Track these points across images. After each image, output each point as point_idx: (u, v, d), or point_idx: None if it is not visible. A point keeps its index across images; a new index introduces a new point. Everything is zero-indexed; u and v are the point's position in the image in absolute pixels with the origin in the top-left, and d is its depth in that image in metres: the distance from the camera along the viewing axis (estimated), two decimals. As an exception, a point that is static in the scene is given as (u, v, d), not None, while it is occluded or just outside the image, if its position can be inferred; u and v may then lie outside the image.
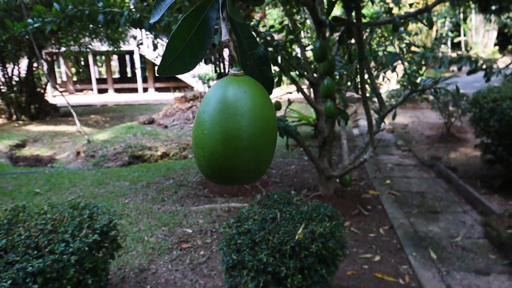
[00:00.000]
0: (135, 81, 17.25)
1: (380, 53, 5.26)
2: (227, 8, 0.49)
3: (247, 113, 0.48)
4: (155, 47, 4.27)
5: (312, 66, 4.41)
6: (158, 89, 17.31)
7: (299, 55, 4.63)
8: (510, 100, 3.66)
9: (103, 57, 19.53)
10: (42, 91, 11.76)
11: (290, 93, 4.92)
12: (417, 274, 2.88)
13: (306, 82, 6.61)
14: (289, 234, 1.92)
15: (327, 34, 3.31)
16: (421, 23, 2.84)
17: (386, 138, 7.27)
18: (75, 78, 19.52)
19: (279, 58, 3.83)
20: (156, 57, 5.11)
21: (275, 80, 4.37)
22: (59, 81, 19.82)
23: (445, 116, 6.72)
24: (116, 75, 24.35)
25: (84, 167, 6.88)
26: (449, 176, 4.75)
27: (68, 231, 2.09)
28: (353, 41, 3.37)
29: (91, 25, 3.86)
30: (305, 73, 4.21)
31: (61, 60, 18.42)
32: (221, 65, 21.50)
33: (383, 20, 2.77)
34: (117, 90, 17.68)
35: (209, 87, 13.65)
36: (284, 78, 4.74)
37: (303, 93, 3.99)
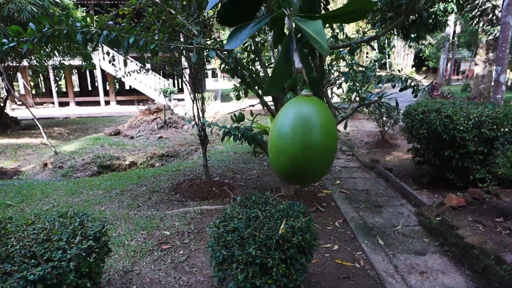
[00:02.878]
0: (96, 95, 16.46)
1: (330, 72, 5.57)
2: (299, 48, 0.58)
3: (320, 127, 0.54)
4: (125, 63, 4.17)
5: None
6: (119, 102, 16.64)
7: (260, 73, 4.78)
8: (435, 112, 4.09)
9: (62, 72, 18.40)
10: (2, 104, 10.82)
11: (253, 106, 5.06)
12: (370, 258, 3.10)
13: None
14: (273, 230, 2.01)
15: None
16: (372, 48, 3.10)
17: (332, 144, 7.64)
18: (33, 92, 18.13)
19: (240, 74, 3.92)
20: (123, 76, 4.94)
21: (242, 93, 4.47)
22: (17, 94, 18.28)
23: (380, 125, 7.24)
24: (76, 89, 22.99)
25: (53, 178, 6.45)
26: (387, 176, 5.14)
27: (62, 239, 2.01)
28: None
29: (65, 42, 3.68)
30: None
31: (19, 74, 17.04)
32: (180, 80, 21.18)
33: (342, 45, 2.98)
34: (79, 103, 16.73)
35: (170, 100, 13.37)
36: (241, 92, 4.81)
37: (267, 106, 4.13)
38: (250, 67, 4.67)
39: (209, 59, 4.47)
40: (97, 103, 15.87)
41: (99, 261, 2.25)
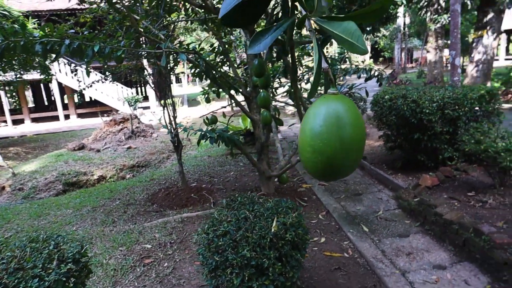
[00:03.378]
0: (54, 109, 15.54)
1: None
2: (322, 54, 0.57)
3: (352, 123, 0.56)
4: (88, 74, 3.94)
5: (243, 81, 4.51)
6: (80, 115, 15.85)
7: (229, 73, 4.70)
8: (402, 98, 4.22)
9: (14, 87, 17.25)
10: None
11: (224, 107, 4.97)
12: (357, 246, 3.13)
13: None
14: (265, 229, 1.95)
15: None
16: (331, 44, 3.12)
17: (304, 139, 7.71)
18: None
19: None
20: (86, 87, 4.67)
21: (213, 95, 4.35)
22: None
23: (348, 116, 7.39)
24: (30, 104, 21.62)
25: (13, 202, 5.98)
26: (361, 164, 5.25)
27: (38, 266, 1.82)
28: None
29: (21, 55, 3.40)
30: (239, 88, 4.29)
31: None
32: (143, 88, 20.56)
33: (310, 40, 2.98)
34: (35, 120, 15.72)
35: (135, 109, 12.92)
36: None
37: (240, 105, 4.06)
38: (219, 68, 4.59)
39: (177, 62, 4.34)
40: (56, 118, 15.00)
41: (80, 285, 2.08)
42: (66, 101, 16.19)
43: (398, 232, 3.35)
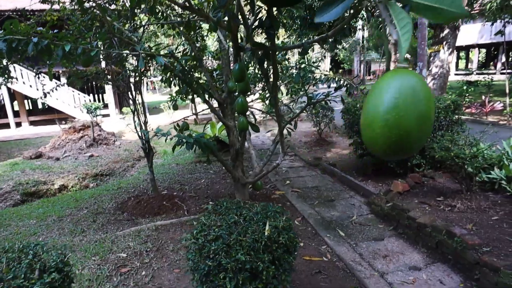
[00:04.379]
0: (3, 116, 14.45)
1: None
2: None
3: (426, 97, 0.55)
4: (51, 78, 3.76)
5: (216, 87, 4.54)
6: (33, 123, 14.88)
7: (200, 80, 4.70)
8: (372, 107, 4.48)
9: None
10: None
11: (195, 114, 4.95)
12: (335, 251, 3.25)
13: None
14: (257, 233, 1.99)
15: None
16: (322, 48, 3.27)
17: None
18: None
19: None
20: (46, 93, 4.44)
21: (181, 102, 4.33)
22: None
23: (317, 125, 7.66)
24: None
25: (-40, 214, 5.47)
26: (332, 171, 5.45)
27: (19, 276, 1.72)
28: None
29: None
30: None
31: None
32: (101, 95, 19.78)
33: (294, 45, 3.08)
34: (-19, 127, 14.49)
35: (95, 116, 12.38)
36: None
37: (215, 111, 4.08)
38: (193, 73, 4.58)
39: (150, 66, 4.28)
40: (6, 126, 13.93)
41: (61, 297, 1.98)
42: (16, 108, 15.15)
43: (373, 236, 3.52)
